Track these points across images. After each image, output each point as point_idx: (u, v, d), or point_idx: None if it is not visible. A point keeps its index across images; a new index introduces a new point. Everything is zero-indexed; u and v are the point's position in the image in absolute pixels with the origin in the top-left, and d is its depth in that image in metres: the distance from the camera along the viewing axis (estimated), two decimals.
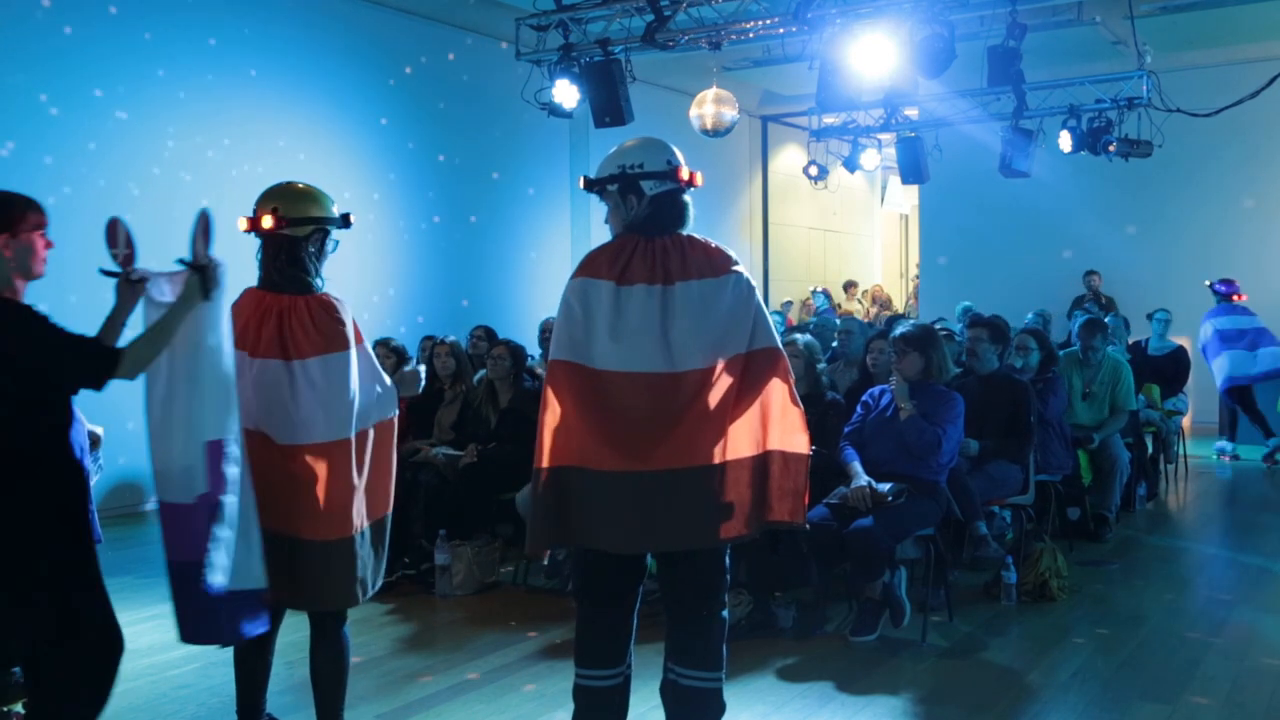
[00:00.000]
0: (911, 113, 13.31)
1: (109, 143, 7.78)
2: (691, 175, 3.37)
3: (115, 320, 3.18)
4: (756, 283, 3.39)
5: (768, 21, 8.77)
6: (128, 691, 4.21)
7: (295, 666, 4.32)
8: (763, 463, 3.26)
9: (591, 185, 3.42)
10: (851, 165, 13.99)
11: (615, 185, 3.34)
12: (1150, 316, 9.61)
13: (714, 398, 3.19)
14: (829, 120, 14.08)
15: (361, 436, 3.47)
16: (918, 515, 4.95)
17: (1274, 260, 12.72)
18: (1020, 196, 12.90)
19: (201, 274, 3.07)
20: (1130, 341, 9.72)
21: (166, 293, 3.18)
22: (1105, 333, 7.45)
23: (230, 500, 3.12)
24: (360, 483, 3.46)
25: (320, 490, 3.36)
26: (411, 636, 5.21)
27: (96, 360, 2.92)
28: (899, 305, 18.06)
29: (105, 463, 4.10)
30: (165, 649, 4.92)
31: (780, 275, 16.76)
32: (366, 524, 3.48)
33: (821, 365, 5.97)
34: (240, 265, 3.39)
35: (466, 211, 11.50)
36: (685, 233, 3.34)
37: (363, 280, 10.05)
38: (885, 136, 14.27)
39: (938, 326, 6.62)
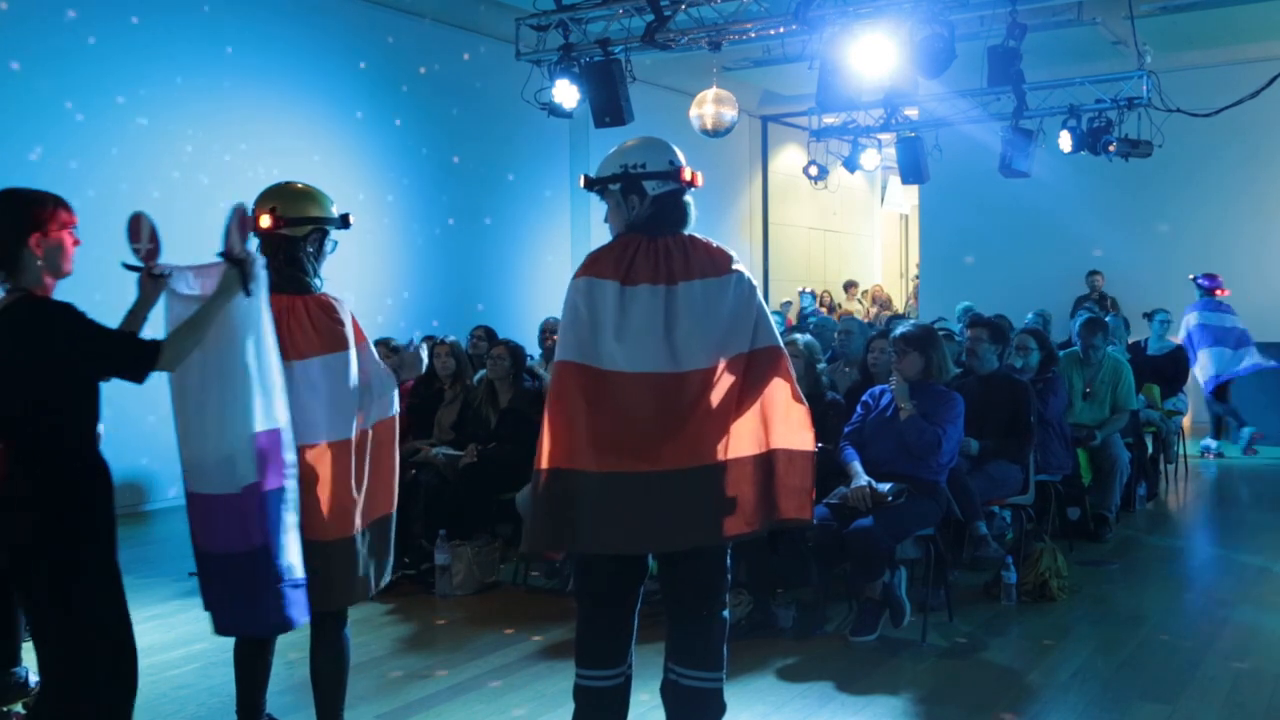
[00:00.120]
0: (911, 113, 13.30)
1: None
2: (693, 175, 3.37)
3: (137, 314, 3.21)
4: (756, 283, 3.40)
5: (768, 21, 8.78)
6: None
7: (295, 666, 4.32)
8: (767, 461, 3.26)
9: (592, 184, 3.42)
10: (851, 165, 14.00)
11: (617, 185, 3.34)
12: (1149, 317, 9.62)
13: (717, 397, 3.20)
14: (829, 120, 14.08)
15: (362, 436, 3.47)
16: (918, 515, 4.95)
17: (1274, 260, 12.73)
18: (1020, 196, 12.90)
19: (240, 267, 3.10)
20: (1130, 341, 9.72)
21: (193, 286, 3.21)
22: (1105, 332, 7.45)
23: (291, 486, 3.20)
24: (361, 483, 3.46)
25: (320, 491, 3.36)
26: (411, 636, 5.21)
27: (138, 353, 2.95)
28: (899, 305, 18.06)
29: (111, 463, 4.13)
30: (165, 649, 4.93)
31: (780, 275, 16.76)
32: (367, 523, 3.48)
33: (821, 365, 5.97)
34: None
35: (481, 214, 11.62)
36: (687, 233, 3.34)
37: (377, 282, 10.19)
38: (885, 136, 14.27)
39: (938, 326, 6.62)
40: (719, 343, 3.23)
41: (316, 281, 3.50)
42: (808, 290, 15.07)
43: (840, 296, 17.45)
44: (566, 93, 9.05)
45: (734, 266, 3.30)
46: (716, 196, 14.94)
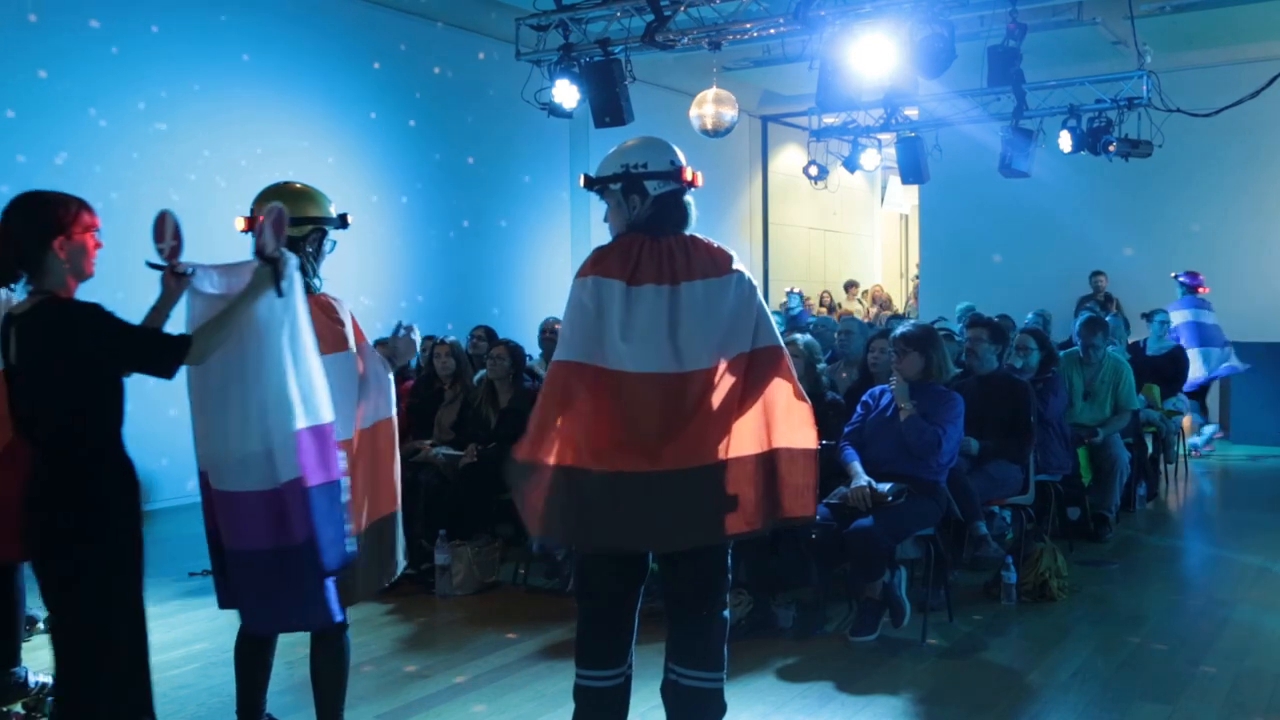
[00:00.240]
0: (911, 113, 13.30)
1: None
2: (694, 176, 3.36)
3: (159, 312, 3.23)
4: (756, 282, 3.40)
5: (767, 21, 8.77)
6: None
7: (295, 666, 4.32)
8: (769, 460, 3.26)
9: (593, 184, 3.41)
10: (851, 165, 13.99)
11: (618, 185, 3.34)
12: (1148, 318, 9.63)
13: (719, 397, 3.20)
14: (829, 120, 14.07)
15: (361, 436, 3.47)
16: (918, 515, 4.95)
17: (1274, 260, 12.72)
18: (1020, 196, 12.90)
19: (273, 266, 3.12)
20: (1130, 342, 9.73)
21: (218, 285, 3.24)
22: (1106, 331, 7.45)
23: (343, 482, 3.25)
24: (360, 483, 3.45)
25: None
26: (411, 636, 5.21)
27: (168, 348, 2.98)
28: (899, 305, 18.05)
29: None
30: (165, 649, 4.92)
31: (780, 275, 16.74)
32: (368, 523, 3.48)
33: (821, 365, 5.97)
34: None
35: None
36: (688, 233, 3.34)
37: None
38: (885, 136, 14.26)
39: (938, 326, 6.62)
40: (720, 343, 3.23)
41: (316, 282, 3.50)
42: (796, 290, 15.02)
43: (840, 296, 17.44)
44: (566, 93, 9.05)
45: (734, 266, 3.30)
46: (716, 196, 14.93)
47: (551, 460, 3.20)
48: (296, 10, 9.63)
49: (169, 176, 8.26)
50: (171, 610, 5.57)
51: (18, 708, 4.15)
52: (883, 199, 20.47)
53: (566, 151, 12.55)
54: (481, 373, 6.73)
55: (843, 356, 7.44)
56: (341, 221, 3.57)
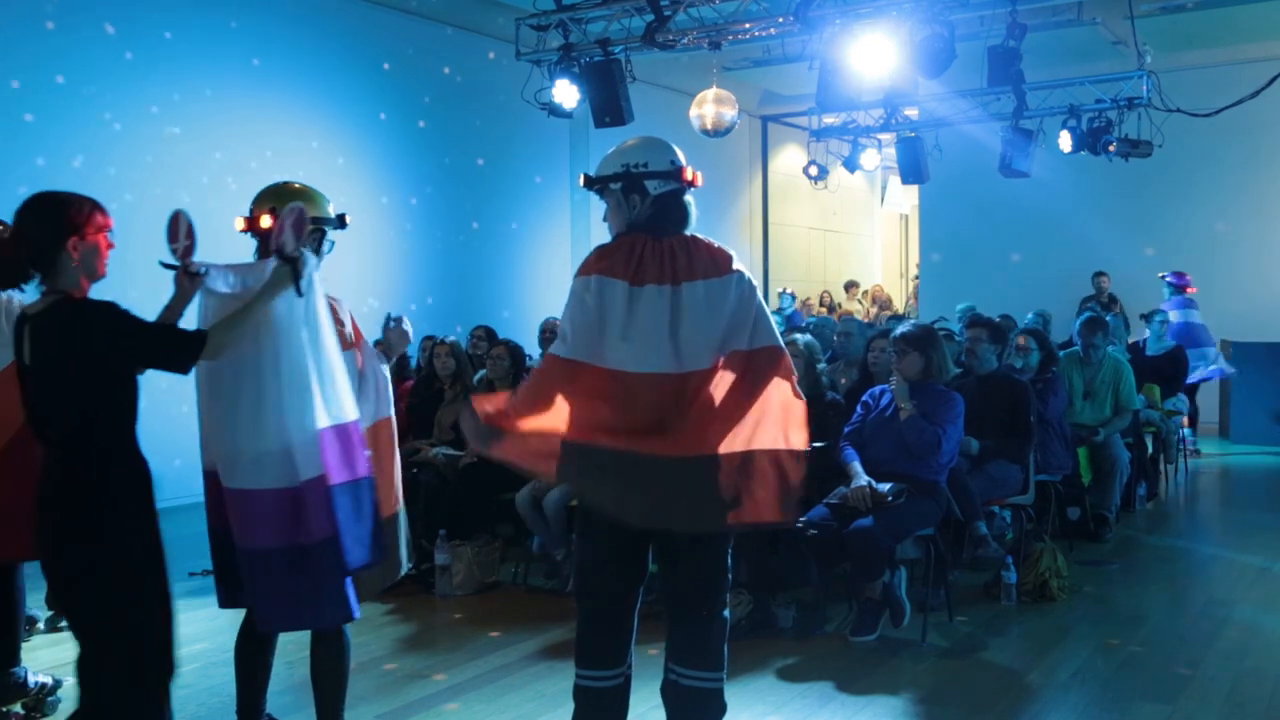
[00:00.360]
0: (911, 113, 13.30)
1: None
2: (694, 175, 3.36)
3: (173, 311, 3.24)
4: (756, 282, 3.40)
5: (768, 21, 8.77)
6: None
7: (295, 666, 4.32)
8: (761, 458, 3.25)
9: (593, 183, 3.41)
10: (851, 165, 13.99)
11: (619, 184, 3.34)
12: (1146, 319, 9.63)
13: (718, 393, 3.21)
14: (829, 120, 14.07)
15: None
16: (918, 515, 4.95)
17: (1274, 260, 12.72)
18: (1020, 196, 12.90)
19: (293, 265, 3.15)
20: (1130, 342, 9.72)
21: (232, 284, 3.25)
22: (1106, 331, 7.45)
23: (368, 480, 3.28)
24: None
25: None
26: (411, 636, 5.21)
27: (185, 343, 3.00)
28: (899, 305, 18.05)
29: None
30: None
31: (780, 275, 16.74)
32: None
33: (821, 365, 5.97)
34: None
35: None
36: (688, 233, 3.34)
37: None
38: (885, 136, 14.26)
39: (938, 326, 6.62)
40: (720, 343, 3.24)
41: None
42: (788, 291, 15.02)
43: (840, 296, 17.44)
44: (566, 93, 9.05)
45: (734, 266, 3.31)
46: (716, 196, 14.93)
47: (564, 432, 3.19)
48: (304, 14, 9.77)
49: (181, 179, 8.43)
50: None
51: (17, 708, 4.15)
52: (883, 199, 20.47)
53: (566, 151, 12.57)
54: (481, 373, 6.73)
55: (843, 356, 7.44)
56: (340, 222, 3.57)
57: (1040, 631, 5.12)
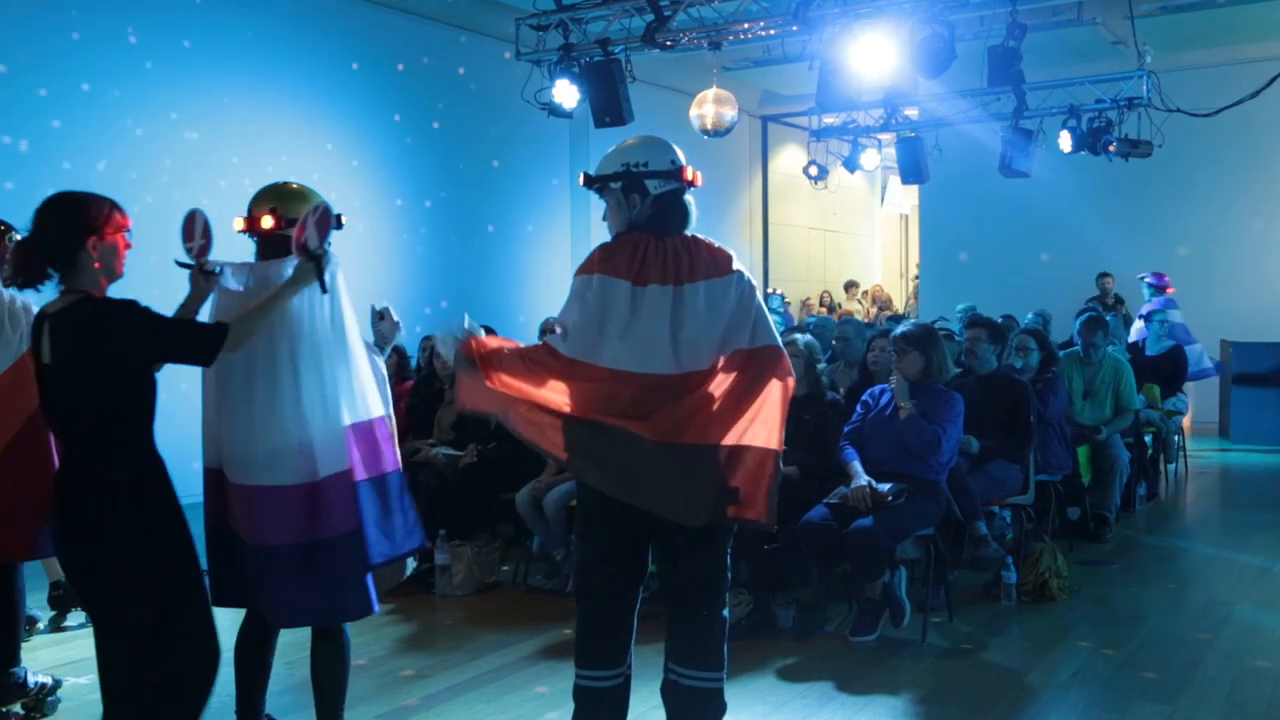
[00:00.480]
0: (911, 113, 13.30)
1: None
2: (694, 175, 3.36)
3: (188, 309, 3.27)
4: (756, 283, 3.40)
5: (768, 21, 8.77)
6: None
7: (295, 666, 4.32)
8: (756, 455, 3.25)
9: (592, 182, 3.41)
10: (851, 165, 13.99)
11: (619, 183, 3.33)
12: (1146, 319, 9.63)
13: (716, 388, 3.21)
14: (829, 120, 14.07)
15: None
16: (918, 515, 4.94)
17: (1274, 260, 12.72)
18: (1020, 196, 12.90)
19: (318, 263, 3.17)
20: (1129, 342, 9.72)
21: (244, 281, 3.28)
22: (1106, 330, 7.45)
23: (395, 475, 3.33)
24: None
25: None
26: (411, 636, 5.21)
27: (207, 335, 3.03)
28: (899, 305, 18.05)
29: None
30: None
31: (780, 275, 16.75)
32: None
33: (821, 365, 5.97)
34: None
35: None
36: (689, 233, 3.34)
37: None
38: (885, 136, 14.27)
39: (938, 326, 6.62)
40: (720, 343, 3.24)
41: None
42: (777, 292, 15.02)
43: (840, 296, 17.44)
44: (566, 93, 9.05)
45: (734, 266, 3.31)
46: (716, 196, 14.94)
47: (567, 410, 3.20)
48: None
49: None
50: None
51: (17, 708, 4.15)
52: (883, 199, 20.47)
53: (566, 151, 12.57)
54: None
55: (842, 357, 7.44)
56: (336, 222, 3.57)
57: (1040, 631, 5.12)
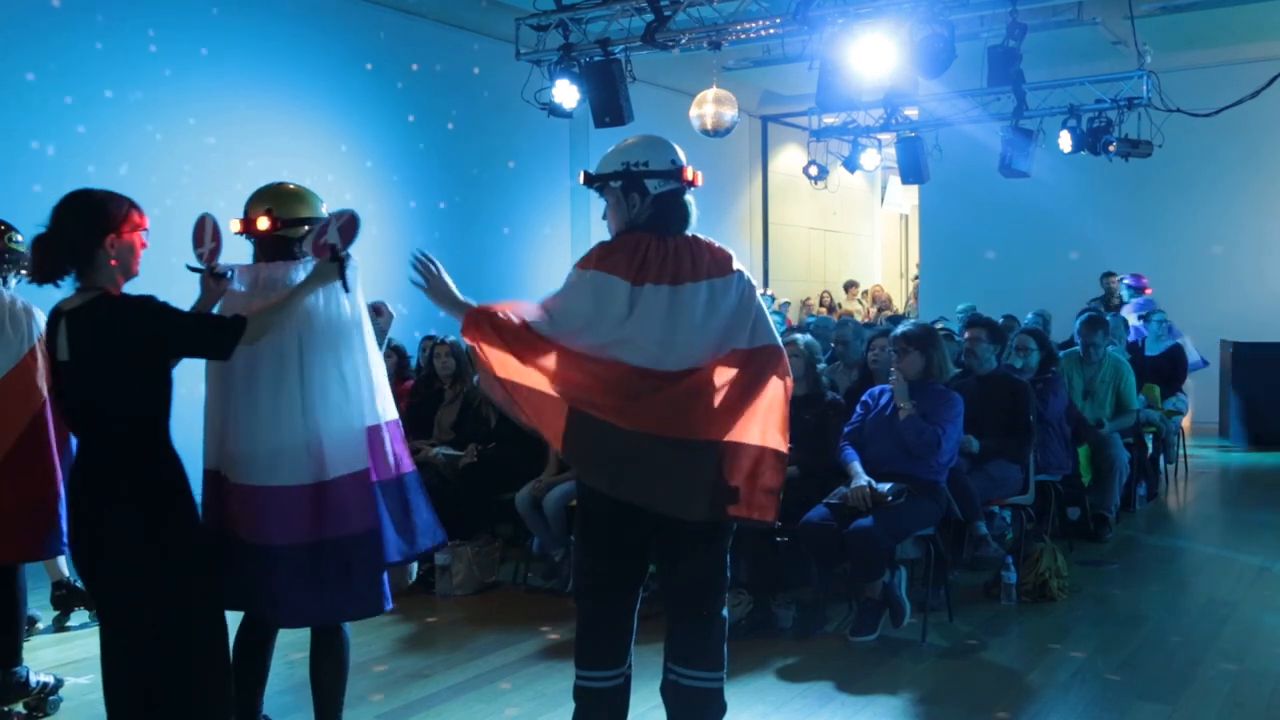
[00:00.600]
0: (911, 113, 13.29)
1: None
2: (695, 175, 3.36)
3: (200, 311, 3.28)
4: (756, 283, 3.39)
5: (768, 21, 8.77)
6: None
7: (295, 666, 4.32)
8: (754, 453, 3.25)
9: (592, 181, 3.41)
10: (851, 165, 13.98)
11: (619, 183, 3.33)
12: (1145, 319, 9.62)
13: (715, 385, 3.21)
14: (829, 120, 14.07)
15: None
16: (918, 515, 4.95)
17: (1274, 260, 12.72)
18: (1020, 196, 12.89)
19: (341, 264, 3.21)
20: (1128, 342, 9.72)
21: (246, 283, 3.32)
22: (1106, 330, 7.45)
23: (411, 476, 3.37)
24: None
25: None
26: (411, 636, 5.21)
27: (224, 329, 3.05)
28: (899, 305, 18.05)
29: None
30: None
31: (780, 275, 16.74)
32: None
33: (821, 365, 5.97)
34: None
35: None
36: (689, 233, 3.34)
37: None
38: (885, 136, 14.25)
39: (938, 326, 6.62)
40: (718, 343, 3.24)
41: None
42: (767, 293, 15.01)
43: (840, 296, 17.44)
44: (566, 93, 9.05)
45: (735, 266, 3.31)
46: (716, 196, 14.93)
47: (563, 395, 3.21)
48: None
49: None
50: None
51: (19, 707, 4.15)
52: (883, 199, 20.46)
53: (566, 152, 12.57)
54: None
55: (842, 357, 7.45)
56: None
57: (1040, 631, 5.13)
